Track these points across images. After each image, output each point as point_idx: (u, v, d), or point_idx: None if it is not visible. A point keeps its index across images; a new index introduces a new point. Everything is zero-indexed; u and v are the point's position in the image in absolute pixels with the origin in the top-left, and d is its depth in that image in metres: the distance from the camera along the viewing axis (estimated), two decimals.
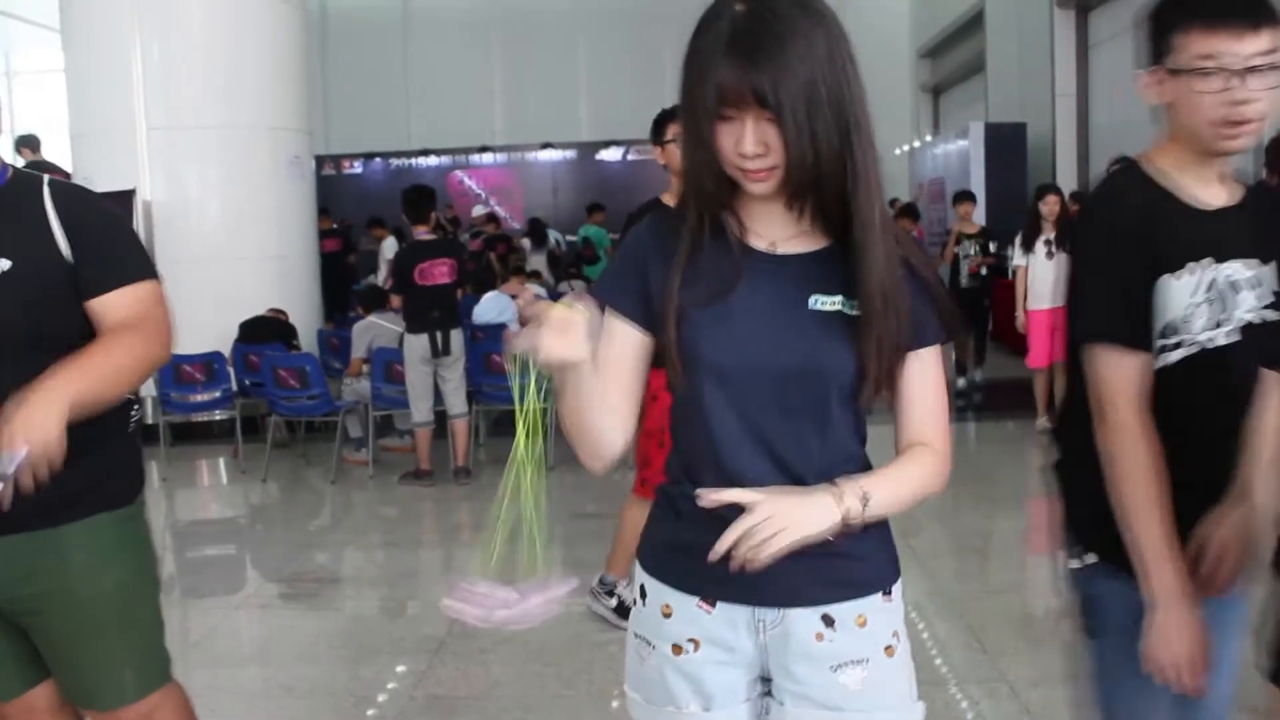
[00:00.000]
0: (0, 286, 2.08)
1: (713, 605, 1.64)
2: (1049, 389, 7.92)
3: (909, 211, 12.51)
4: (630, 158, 18.40)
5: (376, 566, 5.86)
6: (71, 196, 2.23)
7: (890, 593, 1.68)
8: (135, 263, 2.25)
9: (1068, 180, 13.27)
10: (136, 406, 2.36)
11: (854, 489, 1.52)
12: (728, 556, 1.56)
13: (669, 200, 4.20)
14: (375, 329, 7.97)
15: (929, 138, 18.44)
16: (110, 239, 2.25)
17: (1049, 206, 7.75)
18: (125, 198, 8.49)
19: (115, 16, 8.95)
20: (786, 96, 1.45)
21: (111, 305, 2.18)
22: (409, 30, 20.05)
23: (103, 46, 9.10)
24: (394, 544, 6.24)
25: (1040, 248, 7.86)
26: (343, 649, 4.56)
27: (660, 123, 4.25)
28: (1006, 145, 14.31)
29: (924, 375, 1.64)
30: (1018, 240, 8.10)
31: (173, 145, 9.06)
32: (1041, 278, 7.81)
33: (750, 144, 1.49)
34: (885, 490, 1.56)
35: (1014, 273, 8.32)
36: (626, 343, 1.66)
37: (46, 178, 2.25)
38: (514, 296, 9.85)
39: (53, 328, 2.13)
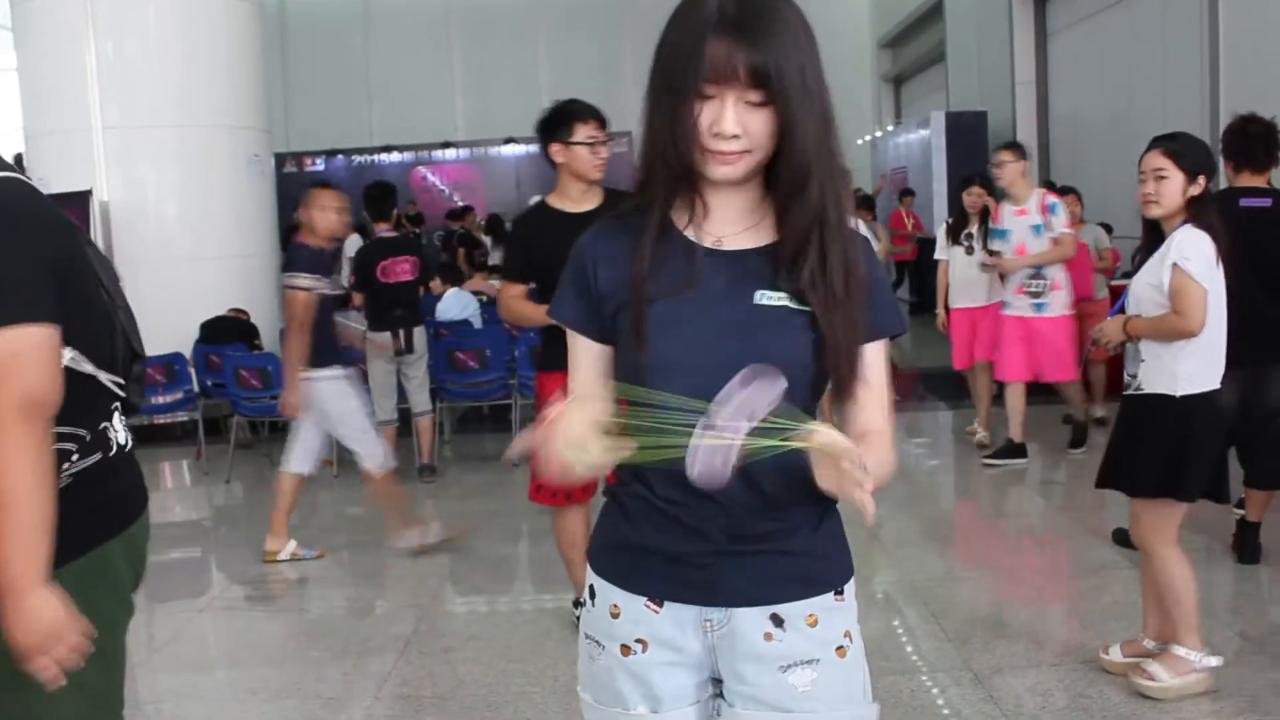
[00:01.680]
0: None
1: (660, 605, 1.64)
2: (989, 391, 7.48)
3: (867, 203, 12.53)
4: None
5: (342, 566, 5.83)
6: None
7: (842, 592, 1.66)
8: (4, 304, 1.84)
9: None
10: (74, 457, 1.99)
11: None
12: (678, 558, 1.57)
13: (555, 201, 4.20)
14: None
15: (891, 127, 18.52)
16: None
17: (971, 198, 7.32)
18: (82, 199, 8.40)
19: (68, 14, 8.85)
20: (782, 76, 1.45)
21: None
22: (370, 26, 19.92)
23: (56, 45, 8.99)
24: (360, 543, 6.20)
25: (962, 242, 7.32)
26: (309, 650, 4.53)
27: (566, 122, 4.14)
28: (967, 134, 14.39)
29: (872, 367, 1.63)
30: (941, 233, 7.67)
31: (129, 145, 8.97)
32: (962, 274, 7.32)
33: (730, 123, 1.47)
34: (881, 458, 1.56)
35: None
36: (592, 357, 1.67)
37: None
38: (478, 294, 9.81)
39: None
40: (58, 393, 1.87)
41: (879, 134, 18.70)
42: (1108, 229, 9.63)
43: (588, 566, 1.74)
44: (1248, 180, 4.74)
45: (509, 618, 4.83)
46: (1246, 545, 4.88)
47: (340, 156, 19.13)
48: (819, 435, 1.39)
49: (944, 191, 14.43)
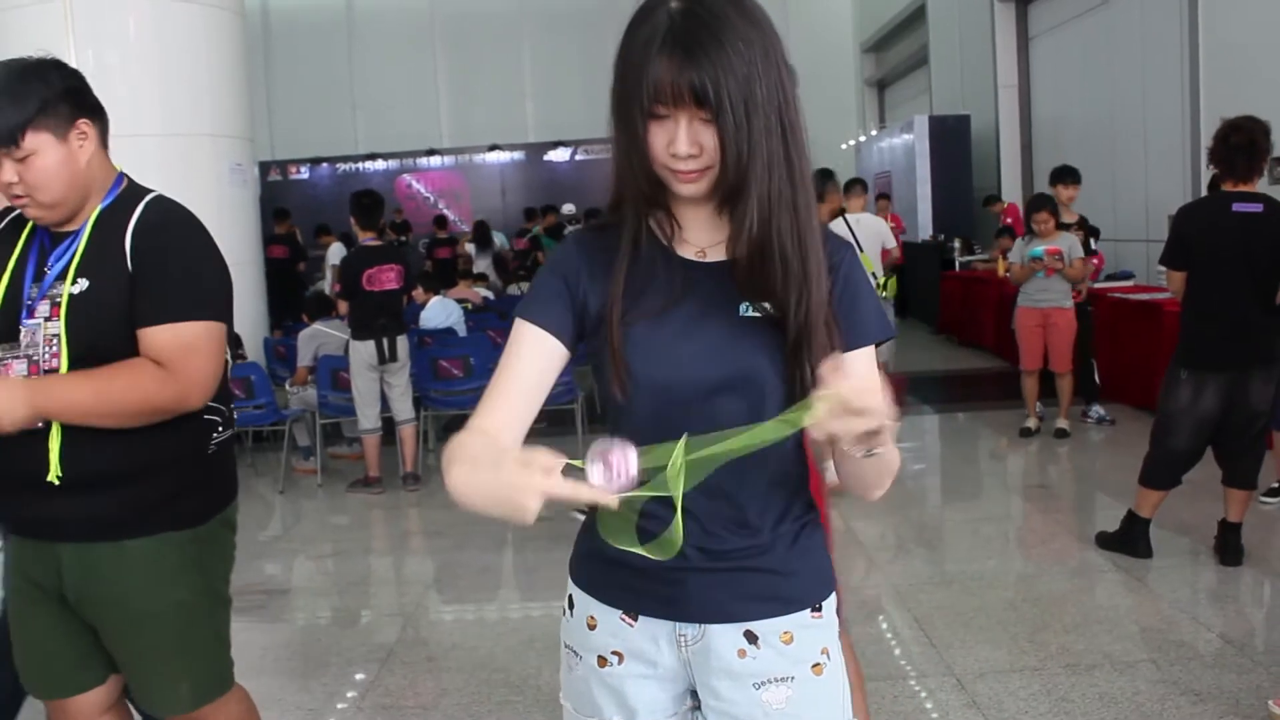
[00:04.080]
0: (74, 306, 2.15)
1: (635, 619, 1.63)
2: None
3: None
4: (578, 158, 18.38)
5: (326, 576, 5.81)
6: (155, 220, 2.24)
7: (820, 609, 1.64)
8: (184, 301, 2.19)
9: (1011, 170, 13.45)
10: (220, 428, 2.38)
11: None
12: (653, 573, 1.56)
13: None
14: (321, 336, 7.90)
15: (874, 132, 18.57)
16: (167, 271, 2.19)
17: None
18: None
19: (48, 23, 8.80)
20: (725, 93, 1.40)
21: (148, 340, 2.16)
22: (353, 34, 19.90)
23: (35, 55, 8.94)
24: (344, 552, 6.18)
25: None
26: (291, 661, 4.51)
27: None
28: (950, 137, 14.46)
29: (865, 373, 1.52)
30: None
31: (111, 155, 8.91)
32: None
33: (684, 143, 1.44)
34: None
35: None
36: (540, 353, 1.58)
37: (150, 196, 2.31)
38: (462, 301, 9.79)
39: (120, 350, 2.17)
40: (217, 382, 2.27)
41: (863, 138, 18.74)
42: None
43: (568, 576, 1.73)
44: (1233, 187, 4.77)
45: (493, 627, 4.82)
46: (1228, 547, 4.90)
47: (325, 164, 19.15)
48: (817, 403, 1.29)
49: (928, 195, 14.49)
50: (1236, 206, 4.72)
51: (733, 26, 1.43)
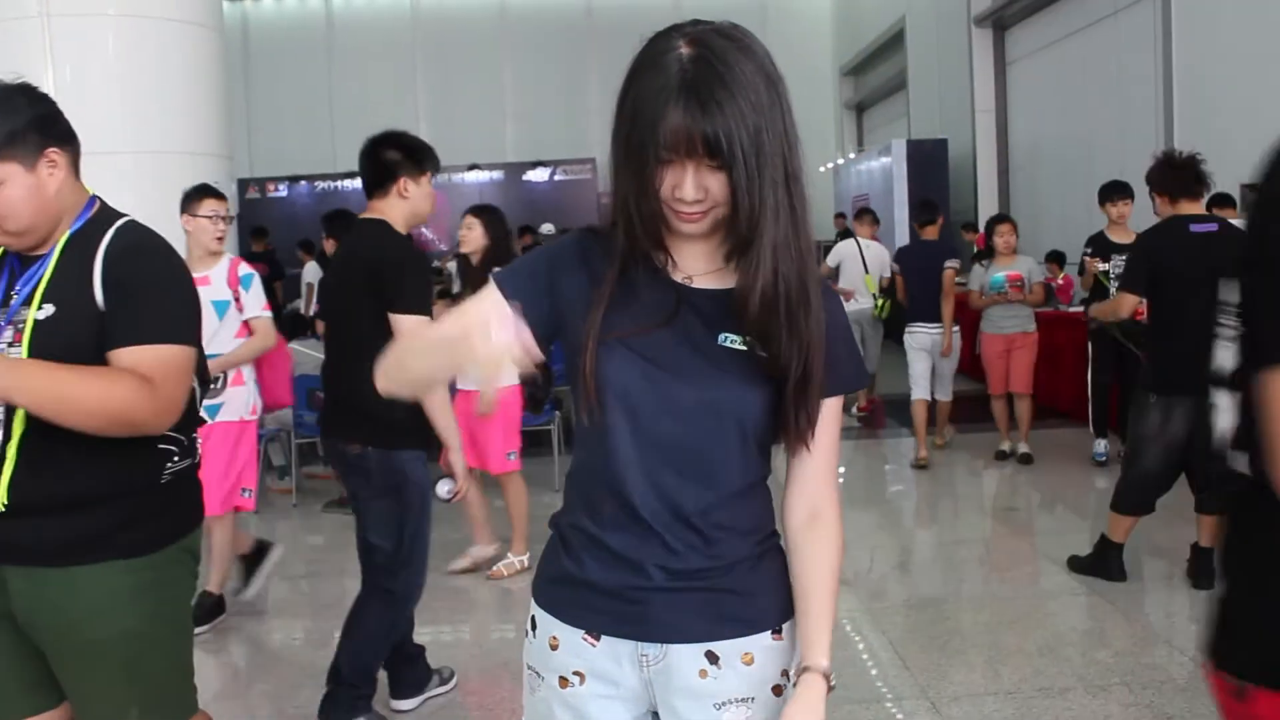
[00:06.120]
0: (39, 331, 2.13)
1: (597, 639, 1.64)
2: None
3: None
4: (558, 178, 18.39)
5: (301, 596, 5.77)
6: (124, 247, 2.22)
7: (781, 631, 1.65)
8: (156, 325, 2.17)
9: (988, 194, 13.55)
10: (176, 457, 2.33)
11: (822, 661, 1.56)
12: (616, 592, 1.59)
13: None
14: (297, 356, 7.86)
15: (853, 155, 18.66)
16: (138, 296, 2.18)
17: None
18: None
19: (25, 39, 8.77)
20: (737, 146, 1.43)
21: (129, 358, 2.13)
22: (333, 52, 19.91)
23: (13, 70, 8.88)
24: (318, 573, 6.15)
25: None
26: (263, 683, 4.48)
27: None
28: (928, 161, 14.53)
29: (826, 424, 1.63)
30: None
31: (88, 172, 8.69)
32: None
33: (691, 190, 1.46)
34: (829, 629, 1.60)
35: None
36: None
37: (121, 221, 2.28)
38: None
39: None
40: (184, 406, 2.22)
41: (841, 161, 18.83)
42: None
43: (531, 598, 1.74)
44: (1188, 208, 4.86)
45: (468, 649, 4.80)
46: (1202, 571, 4.92)
47: (303, 182, 19.05)
48: None
49: (905, 218, 14.57)
50: (1194, 227, 4.81)
51: (743, 75, 1.45)
